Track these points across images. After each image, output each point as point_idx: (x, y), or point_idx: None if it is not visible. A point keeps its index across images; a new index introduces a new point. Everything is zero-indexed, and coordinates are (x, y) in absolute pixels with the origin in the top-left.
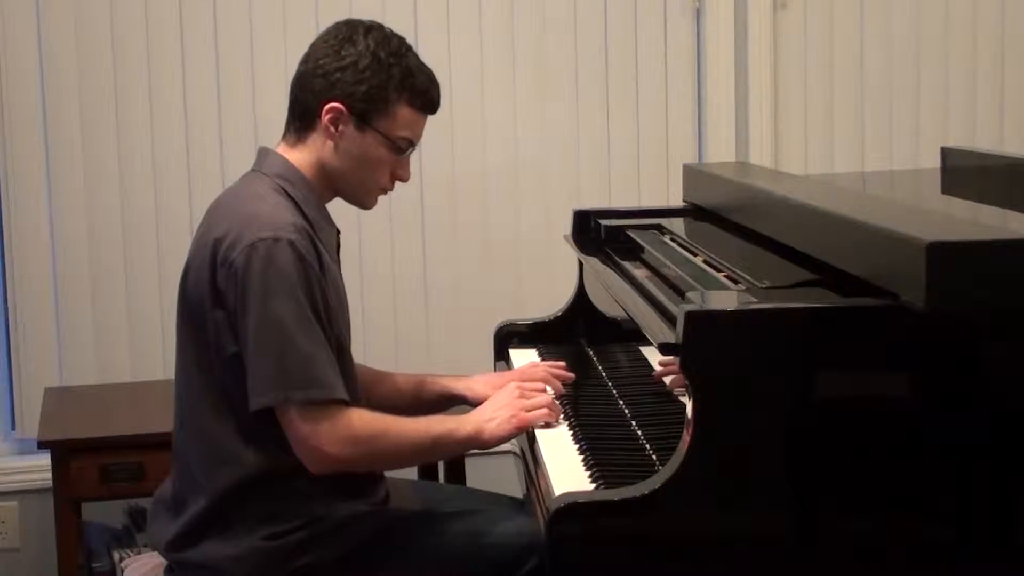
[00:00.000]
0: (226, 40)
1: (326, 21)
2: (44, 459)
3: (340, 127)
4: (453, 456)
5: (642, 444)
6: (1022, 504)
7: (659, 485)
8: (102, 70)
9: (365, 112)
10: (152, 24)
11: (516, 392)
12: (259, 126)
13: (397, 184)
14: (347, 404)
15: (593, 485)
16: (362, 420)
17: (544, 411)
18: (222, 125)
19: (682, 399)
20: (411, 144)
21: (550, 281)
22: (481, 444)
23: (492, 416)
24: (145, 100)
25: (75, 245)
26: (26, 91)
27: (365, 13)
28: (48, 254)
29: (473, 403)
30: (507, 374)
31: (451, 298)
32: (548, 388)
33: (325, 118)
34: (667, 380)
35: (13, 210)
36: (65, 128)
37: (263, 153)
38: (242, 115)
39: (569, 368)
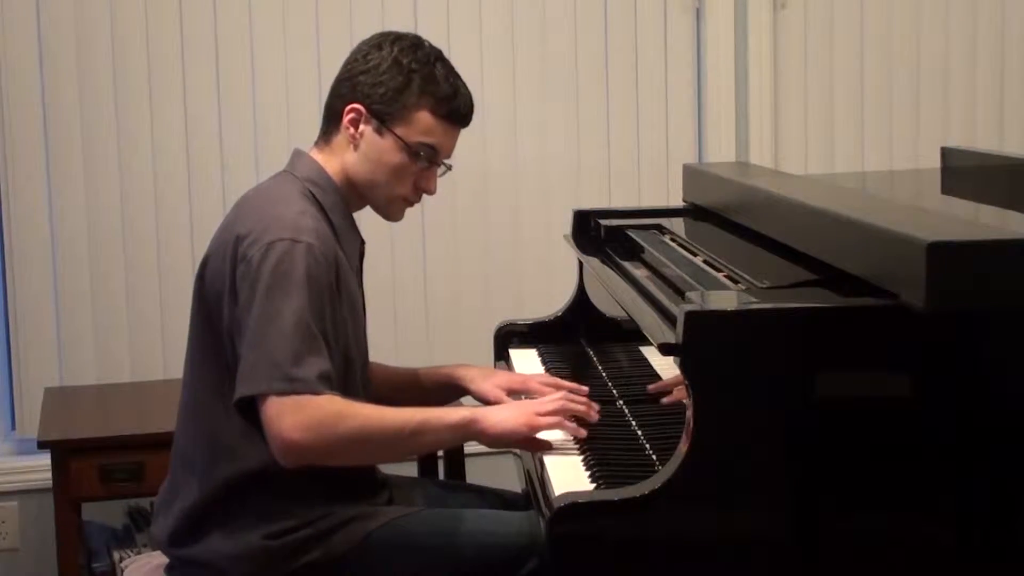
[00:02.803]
0: (226, 40)
1: (326, 21)
2: (44, 459)
3: (360, 128)
4: (446, 446)
5: (642, 444)
6: (1022, 504)
7: (659, 485)
8: (102, 70)
9: (383, 114)
10: (152, 24)
11: (529, 401)
12: (260, 126)
13: None
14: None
15: (593, 485)
16: (331, 404)
17: (558, 418)
18: (222, 125)
19: (682, 400)
20: (433, 152)
21: (550, 281)
22: (478, 431)
23: (498, 411)
24: (145, 100)
25: (75, 245)
26: (26, 91)
27: (366, 13)
28: (48, 254)
29: (474, 395)
30: (516, 375)
31: (451, 298)
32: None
33: (346, 119)
34: (664, 400)
35: (13, 210)
36: (65, 128)
37: (297, 155)
38: (242, 115)
39: (569, 368)
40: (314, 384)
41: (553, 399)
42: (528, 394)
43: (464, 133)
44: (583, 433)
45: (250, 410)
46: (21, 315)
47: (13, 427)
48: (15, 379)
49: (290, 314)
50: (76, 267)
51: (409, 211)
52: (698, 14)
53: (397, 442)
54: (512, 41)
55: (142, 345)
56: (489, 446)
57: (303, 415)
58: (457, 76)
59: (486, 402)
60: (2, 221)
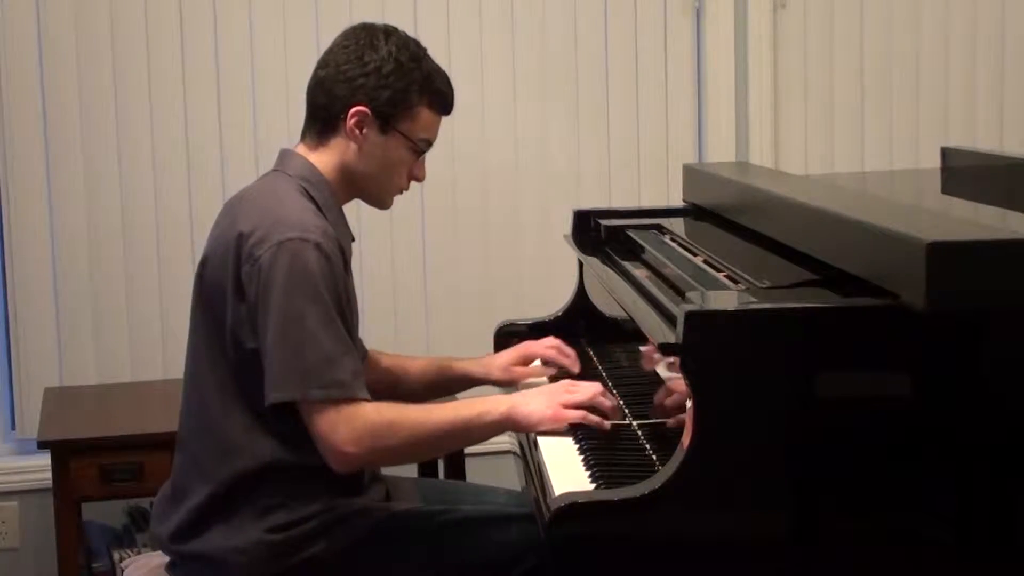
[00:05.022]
0: (226, 40)
1: (326, 21)
2: (44, 459)
3: (365, 130)
4: (484, 440)
5: (642, 444)
6: (1022, 504)
7: (659, 485)
8: (102, 70)
9: (389, 115)
10: (152, 24)
11: (562, 387)
12: (259, 126)
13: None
14: (366, 402)
15: (593, 485)
16: (380, 415)
17: (582, 413)
18: (222, 125)
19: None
20: (429, 144)
21: (550, 281)
22: (514, 424)
23: (529, 401)
24: (145, 100)
25: (75, 245)
26: (26, 91)
27: (365, 13)
28: (48, 254)
29: (494, 383)
30: (525, 347)
31: (451, 298)
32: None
33: (350, 122)
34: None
35: (13, 210)
36: (65, 128)
37: (285, 155)
38: (242, 115)
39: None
40: (352, 387)
41: (584, 393)
42: (536, 358)
43: (465, 133)
44: (607, 427)
45: (253, 408)
46: (21, 315)
47: (13, 427)
48: (15, 379)
49: (315, 315)
50: (76, 267)
51: (409, 211)
52: (698, 14)
53: (443, 443)
54: (512, 41)
55: (142, 345)
56: (524, 432)
57: (356, 428)
58: (439, 66)
59: (503, 385)
60: (2, 221)
